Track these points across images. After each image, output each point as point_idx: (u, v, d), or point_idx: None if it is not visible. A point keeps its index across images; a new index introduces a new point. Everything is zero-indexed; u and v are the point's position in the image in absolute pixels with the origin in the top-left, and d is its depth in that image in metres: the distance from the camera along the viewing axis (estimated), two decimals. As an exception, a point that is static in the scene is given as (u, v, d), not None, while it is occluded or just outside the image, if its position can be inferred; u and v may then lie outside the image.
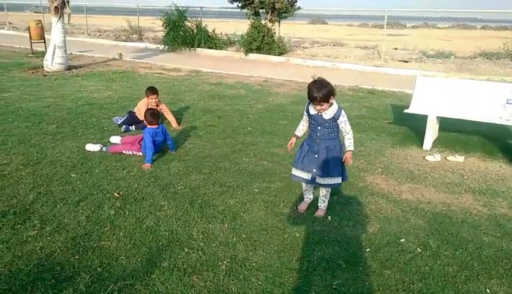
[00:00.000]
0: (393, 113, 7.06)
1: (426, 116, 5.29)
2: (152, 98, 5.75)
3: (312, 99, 3.17)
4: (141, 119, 5.94)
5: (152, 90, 5.83)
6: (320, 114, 3.25)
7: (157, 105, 5.71)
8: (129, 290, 2.50)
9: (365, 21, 30.71)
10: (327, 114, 3.24)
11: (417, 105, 5.57)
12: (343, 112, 3.26)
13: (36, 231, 3.09)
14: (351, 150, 3.29)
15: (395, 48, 15.87)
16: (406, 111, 5.54)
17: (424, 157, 4.96)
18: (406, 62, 13.28)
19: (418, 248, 3.04)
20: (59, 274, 2.62)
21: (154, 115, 4.76)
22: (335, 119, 3.24)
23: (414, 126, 6.03)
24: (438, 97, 5.47)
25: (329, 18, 25.89)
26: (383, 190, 4.03)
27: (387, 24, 14.16)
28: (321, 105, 3.17)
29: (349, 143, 3.30)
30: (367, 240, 3.14)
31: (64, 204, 3.51)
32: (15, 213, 3.33)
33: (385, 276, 2.71)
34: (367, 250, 3.01)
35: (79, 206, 3.49)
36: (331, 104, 3.22)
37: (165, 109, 5.98)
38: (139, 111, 5.94)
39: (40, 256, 2.80)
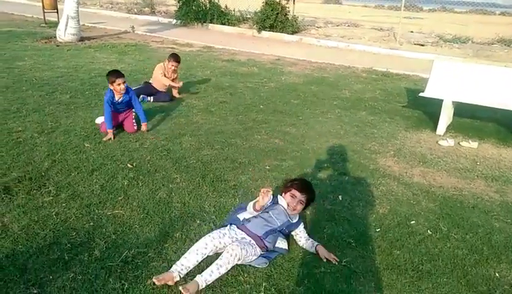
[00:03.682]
0: (407, 96, 6.97)
1: (441, 101, 5.22)
2: (173, 65, 5.87)
3: (301, 191, 2.73)
4: (158, 88, 5.93)
5: (175, 58, 5.93)
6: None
7: (173, 72, 5.91)
8: (143, 257, 2.55)
9: (380, 2, 30.02)
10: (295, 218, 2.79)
11: (432, 88, 5.49)
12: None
13: (51, 198, 3.15)
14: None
15: (411, 31, 15.53)
16: (421, 94, 5.47)
17: (437, 142, 4.92)
18: (422, 45, 13.02)
19: (428, 231, 3.05)
20: (74, 239, 2.69)
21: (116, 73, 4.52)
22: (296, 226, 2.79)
23: (428, 110, 5.96)
24: (454, 81, 5.38)
25: (345, -2, 25.37)
26: (394, 173, 4.02)
27: (404, 7, 13.83)
28: (301, 205, 2.74)
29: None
30: (377, 220, 3.16)
31: (78, 173, 3.56)
32: (30, 179, 3.39)
33: (394, 256, 2.73)
34: (377, 230, 3.03)
35: (94, 175, 3.54)
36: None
37: (177, 82, 6.07)
38: (155, 79, 5.95)
39: (56, 221, 2.86)
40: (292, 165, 4.05)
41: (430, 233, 3.03)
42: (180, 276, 2.36)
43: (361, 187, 3.68)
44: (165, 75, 5.95)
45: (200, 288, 2.29)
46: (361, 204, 3.38)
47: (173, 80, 6.02)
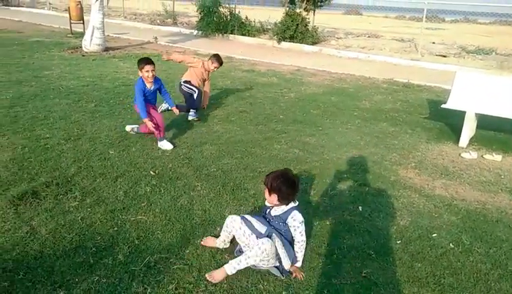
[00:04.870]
0: (429, 108, 6.90)
1: (464, 112, 5.16)
2: (215, 67, 5.89)
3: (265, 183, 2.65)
4: (193, 83, 5.81)
5: (219, 60, 5.92)
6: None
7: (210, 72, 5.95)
8: (164, 262, 2.60)
9: (402, 13, 29.87)
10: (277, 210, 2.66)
11: (455, 100, 5.43)
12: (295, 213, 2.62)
13: (77, 203, 3.25)
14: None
15: (433, 42, 15.39)
16: (443, 106, 5.42)
17: (459, 154, 4.85)
18: (444, 56, 12.87)
19: (450, 244, 3.01)
20: (99, 243, 2.76)
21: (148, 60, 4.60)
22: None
23: (451, 122, 5.89)
24: (477, 93, 5.32)
25: (365, 9, 25.33)
26: (415, 185, 3.99)
27: (425, 17, 13.74)
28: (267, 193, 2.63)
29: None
30: (398, 232, 3.13)
31: (103, 179, 3.66)
32: (57, 184, 3.51)
33: (415, 268, 2.71)
34: (398, 242, 3.01)
35: (118, 182, 3.63)
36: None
37: (207, 85, 6.11)
38: (193, 74, 5.82)
39: (81, 225, 2.95)
40: (311, 175, 4.06)
41: (453, 246, 2.99)
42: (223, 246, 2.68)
43: (382, 199, 3.66)
44: (202, 73, 5.86)
45: (229, 274, 2.46)
46: (382, 215, 3.37)
47: (204, 81, 5.99)
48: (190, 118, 5.58)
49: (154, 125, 4.45)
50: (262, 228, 2.59)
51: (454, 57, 12.88)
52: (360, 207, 3.47)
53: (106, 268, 2.53)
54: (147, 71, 4.49)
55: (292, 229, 2.59)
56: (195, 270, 2.56)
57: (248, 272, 2.57)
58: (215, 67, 5.90)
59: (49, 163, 3.93)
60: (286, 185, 2.53)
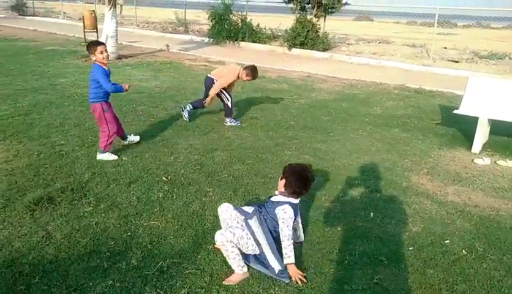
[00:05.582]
0: (441, 114, 6.86)
1: (476, 118, 5.11)
2: (247, 79, 5.69)
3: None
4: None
5: (253, 73, 5.70)
6: None
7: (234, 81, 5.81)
8: (177, 267, 2.64)
9: (413, 18, 29.72)
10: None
11: (468, 105, 5.39)
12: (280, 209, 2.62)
13: (91, 208, 3.31)
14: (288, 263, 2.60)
15: (445, 48, 15.28)
16: (455, 111, 5.38)
17: (472, 160, 4.81)
18: (456, 62, 12.77)
19: (463, 251, 2.98)
20: (113, 248, 2.81)
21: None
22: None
23: (463, 128, 5.84)
24: (490, 98, 5.27)
25: (376, 15, 25.28)
26: (428, 191, 3.96)
27: (437, 23, 13.66)
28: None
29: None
30: (410, 238, 3.12)
31: (116, 185, 3.72)
32: (72, 190, 3.58)
33: (428, 275, 2.69)
34: (410, 248, 2.99)
35: (131, 187, 3.69)
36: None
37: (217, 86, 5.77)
38: (224, 78, 5.64)
39: (96, 230, 3.00)
40: (322, 181, 4.07)
41: (465, 253, 2.96)
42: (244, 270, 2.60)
43: (393, 205, 3.65)
44: (235, 80, 5.78)
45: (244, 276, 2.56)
46: (393, 222, 3.35)
47: (229, 85, 5.83)
48: (232, 124, 5.75)
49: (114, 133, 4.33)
50: (249, 209, 2.76)
51: (466, 63, 12.77)
52: (372, 214, 3.46)
53: (119, 272, 2.57)
54: (102, 51, 4.14)
55: (280, 222, 2.59)
56: (207, 275, 2.59)
57: (260, 277, 2.59)
58: (247, 79, 5.71)
59: (64, 169, 4.01)
60: (297, 176, 2.63)
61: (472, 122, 5.22)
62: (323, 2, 13.76)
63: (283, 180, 2.67)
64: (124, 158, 4.33)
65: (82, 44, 13.37)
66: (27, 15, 24.08)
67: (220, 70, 5.92)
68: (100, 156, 4.29)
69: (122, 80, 8.29)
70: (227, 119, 5.78)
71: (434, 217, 3.46)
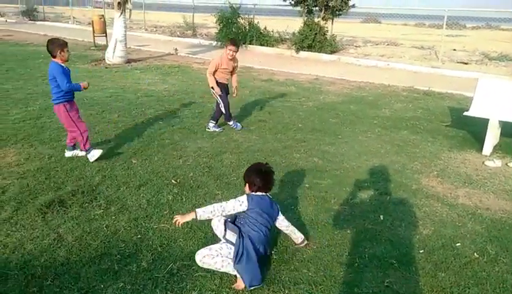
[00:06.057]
0: (450, 116, 6.80)
1: (487, 120, 5.07)
2: (230, 50, 5.34)
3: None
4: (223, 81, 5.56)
5: (231, 41, 5.44)
6: None
7: (233, 59, 5.47)
8: (187, 269, 2.64)
9: (421, 20, 29.56)
10: None
11: (478, 107, 5.34)
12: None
13: (102, 211, 3.33)
14: None
15: (454, 49, 15.17)
16: (465, 113, 5.34)
17: (483, 162, 4.76)
18: (465, 63, 12.67)
19: (475, 254, 2.95)
20: (123, 250, 2.83)
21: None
22: None
23: (474, 130, 5.79)
24: (501, 100, 5.22)
25: (384, 17, 25.18)
26: (438, 193, 3.93)
27: (446, 24, 13.57)
28: None
29: None
30: (421, 241, 3.09)
31: (126, 188, 3.75)
32: (82, 193, 3.61)
33: (439, 278, 2.67)
34: (421, 251, 2.97)
35: (141, 190, 3.71)
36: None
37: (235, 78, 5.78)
38: (218, 73, 5.48)
39: (106, 233, 3.03)
40: (331, 184, 4.06)
41: (477, 256, 2.93)
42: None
43: (403, 207, 3.63)
44: (216, 70, 5.44)
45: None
46: (404, 224, 3.33)
47: (232, 71, 5.66)
48: (215, 129, 5.56)
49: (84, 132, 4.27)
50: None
51: (476, 64, 12.66)
52: (381, 216, 3.44)
53: (130, 275, 2.58)
54: (66, 51, 4.10)
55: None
56: (216, 277, 2.59)
57: (270, 281, 2.59)
58: (229, 50, 5.33)
59: (74, 172, 4.05)
60: (255, 173, 2.77)
61: (482, 124, 5.17)
62: (330, 4, 13.75)
63: (247, 185, 2.82)
64: (133, 161, 4.36)
65: (91, 48, 13.54)
66: (38, 20, 24.41)
67: None
68: (89, 156, 4.26)
69: (130, 84, 8.37)
70: (210, 124, 5.58)
71: (445, 220, 3.43)
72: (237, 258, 2.52)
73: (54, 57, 4.09)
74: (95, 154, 4.29)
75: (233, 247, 2.60)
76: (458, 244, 3.07)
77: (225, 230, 2.73)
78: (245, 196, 2.73)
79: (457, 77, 10.85)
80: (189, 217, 2.69)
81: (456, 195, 3.92)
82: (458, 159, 4.88)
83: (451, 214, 3.55)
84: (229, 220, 2.81)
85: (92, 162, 4.25)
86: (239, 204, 2.69)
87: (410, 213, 3.53)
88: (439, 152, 5.08)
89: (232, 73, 5.73)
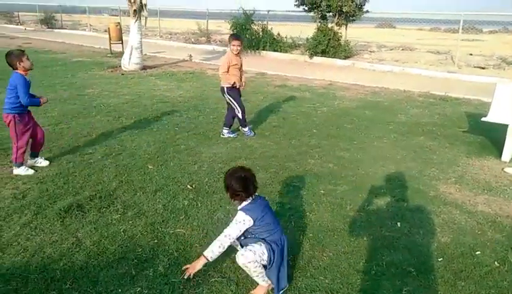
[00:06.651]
0: (468, 121, 6.70)
1: (506, 126, 4.97)
2: (234, 45, 5.34)
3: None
4: (223, 85, 5.50)
5: (235, 36, 5.50)
6: None
7: (238, 54, 5.45)
8: (203, 275, 2.65)
9: (436, 25, 29.28)
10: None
11: (496, 113, 5.24)
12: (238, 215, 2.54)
13: (119, 215, 3.37)
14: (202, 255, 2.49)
15: (471, 54, 14.97)
16: (483, 119, 5.25)
17: (502, 169, 4.67)
18: (482, 68, 12.48)
19: (496, 263, 2.89)
20: (140, 255, 2.85)
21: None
22: None
23: (492, 136, 5.69)
24: (520, 105, 5.11)
25: (398, 22, 25.01)
26: (456, 200, 3.87)
27: (462, 29, 13.42)
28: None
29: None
30: (440, 249, 3.04)
31: (143, 193, 3.79)
32: (100, 197, 3.66)
33: (459, 287, 2.62)
34: (439, 259, 2.92)
35: (157, 195, 3.75)
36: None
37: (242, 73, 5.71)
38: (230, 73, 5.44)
39: (123, 237, 3.06)
40: (347, 190, 4.03)
41: (498, 264, 2.87)
42: None
43: (421, 214, 3.57)
44: (228, 68, 5.40)
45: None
46: (421, 232, 3.28)
47: (240, 68, 5.56)
48: (230, 135, 5.58)
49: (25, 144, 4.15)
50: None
51: (493, 69, 12.46)
52: (398, 223, 3.40)
53: (147, 280, 2.60)
54: (28, 58, 4.06)
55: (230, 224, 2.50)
56: (232, 283, 2.59)
57: (286, 289, 2.57)
58: (233, 45, 5.34)
59: (92, 177, 4.11)
60: (235, 180, 2.49)
61: (501, 129, 5.08)
62: (344, 10, 13.72)
63: (228, 193, 2.57)
64: (149, 167, 4.40)
65: (108, 55, 13.77)
66: (56, 28, 24.97)
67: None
68: (16, 171, 4.16)
69: (146, 90, 8.48)
70: (224, 130, 5.60)
71: (464, 228, 3.37)
72: (271, 264, 2.46)
73: (16, 69, 4.02)
74: (23, 171, 4.15)
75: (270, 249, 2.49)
76: (478, 253, 3.01)
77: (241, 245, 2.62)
78: (241, 214, 2.50)
79: (474, 82, 10.69)
80: (200, 265, 2.47)
81: (475, 202, 3.85)
82: (476, 165, 4.80)
83: (470, 221, 3.48)
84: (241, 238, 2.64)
85: (108, 169, 4.31)
86: (242, 224, 2.47)
87: (427, 220, 3.48)
88: (457, 158, 5.00)
89: (240, 69, 5.66)
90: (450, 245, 3.10)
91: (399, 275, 2.73)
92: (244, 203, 2.54)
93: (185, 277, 2.47)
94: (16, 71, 4.03)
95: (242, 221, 2.47)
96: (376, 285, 2.63)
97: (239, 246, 2.64)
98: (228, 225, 2.51)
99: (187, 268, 2.49)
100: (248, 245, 2.52)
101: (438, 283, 2.66)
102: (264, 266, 2.51)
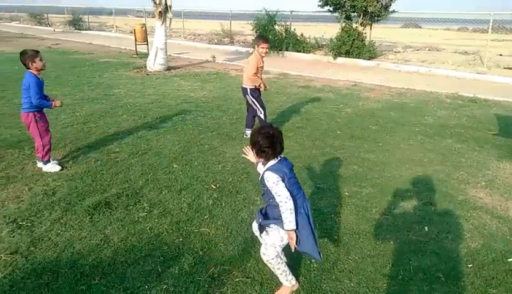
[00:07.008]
0: (498, 124, 6.49)
1: (540, 129, 4.80)
2: (263, 48, 5.30)
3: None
4: (246, 85, 5.47)
5: (263, 38, 5.45)
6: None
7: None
8: (227, 274, 2.66)
9: (464, 24, 28.53)
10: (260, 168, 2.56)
11: (529, 115, 5.07)
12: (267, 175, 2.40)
13: (145, 213, 3.43)
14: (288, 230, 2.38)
15: (500, 54, 14.51)
16: (515, 121, 5.08)
17: (535, 173, 4.51)
18: (513, 69, 12.08)
19: (529, 270, 2.79)
20: (166, 253, 2.89)
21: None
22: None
23: (524, 139, 5.50)
24: (555, 108, 4.93)
25: (424, 22, 24.49)
26: (486, 205, 3.75)
27: (491, 28, 13.01)
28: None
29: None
30: (469, 255, 2.96)
31: (168, 191, 3.84)
32: (127, 195, 3.73)
33: (490, 295, 2.54)
34: (469, 265, 2.84)
35: (182, 194, 3.79)
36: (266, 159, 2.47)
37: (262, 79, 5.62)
38: (246, 76, 5.45)
39: (150, 235, 3.11)
40: (372, 192, 3.97)
41: (532, 272, 2.77)
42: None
43: (449, 219, 3.48)
44: (261, 62, 5.40)
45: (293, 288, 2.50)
46: (450, 237, 3.20)
47: (262, 67, 5.52)
48: (247, 136, 5.53)
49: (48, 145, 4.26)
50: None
51: (525, 70, 12.03)
52: (426, 228, 3.32)
53: (173, 277, 2.63)
54: (41, 59, 4.12)
55: (273, 192, 2.39)
56: (257, 284, 2.59)
57: (310, 290, 2.55)
58: (262, 48, 5.30)
59: (119, 175, 4.19)
60: (262, 137, 2.40)
61: (535, 132, 4.91)
62: (369, 10, 13.53)
63: (254, 150, 2.47)
64: (174, 166, 4.46)
65: (133, 56, 14.03)
66: (83, 29, 25.63)
67: (244, 71, 5.66)
68: (44, 167, 4.27)
69: (171, 90, 8.59)
70: (247, 131, 5.57)
71: (495, 233, 3.27)
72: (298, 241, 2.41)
73: (29, 68, 4.11)
74: (51, 168, 4.27)
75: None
76: (510, 259, 2.91)
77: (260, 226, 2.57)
78: (270, 174, 2.38)
79: (504, 83, 10.36)
80: (292, 238, 2.39)
81: (506, 207, 3.72)
82: (507, 169, 4.64)
83: (501, 227, 3.38)
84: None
85: (135, 167, 4.38)
86: (281, 182, 2.36)
87: (456, 225, 3.39)
88: (487, 162, 4.85)
89: (262, 68, 5.59)
90: (480, 251, 3.01)
91: (427, 281, 2.67)
92: (271, 162, 2.44)
93: (292, 251, 2.45)
94: (29, 70, 4.12)
95: (277, 181, 2.37)
96: (404, 290, 2.58)
97: (258, 232, 2.62)
98: (271, 193, 2.39)
99: (291, 242, 2.40)
100: (267, 228, 2.50)
101: (468, 290, 2.59)
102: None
